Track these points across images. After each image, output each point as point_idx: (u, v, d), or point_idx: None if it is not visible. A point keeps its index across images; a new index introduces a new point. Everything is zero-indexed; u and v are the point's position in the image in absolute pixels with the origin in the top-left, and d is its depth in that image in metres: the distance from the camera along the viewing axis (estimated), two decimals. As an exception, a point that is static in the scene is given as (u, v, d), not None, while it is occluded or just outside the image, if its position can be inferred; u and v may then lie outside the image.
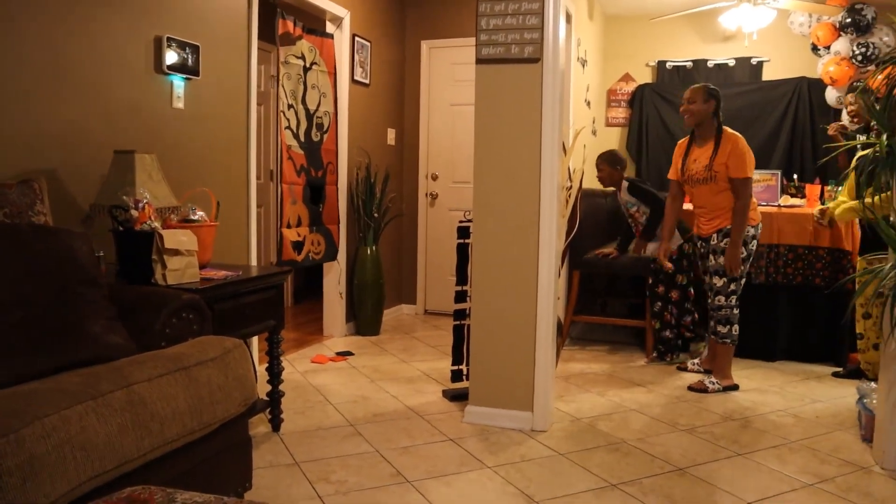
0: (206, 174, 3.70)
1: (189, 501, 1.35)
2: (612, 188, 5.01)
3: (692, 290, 4.65)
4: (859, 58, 5.55)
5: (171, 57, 3.40)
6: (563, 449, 3.12)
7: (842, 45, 5.68)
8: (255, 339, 3.96)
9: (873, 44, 5.49)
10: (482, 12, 3.26)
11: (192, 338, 2.38)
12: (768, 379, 4.29)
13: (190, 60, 3.54)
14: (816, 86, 6.05)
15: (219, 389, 2.12)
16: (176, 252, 2.67)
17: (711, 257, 4.06)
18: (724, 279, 4.02)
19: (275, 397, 3.20)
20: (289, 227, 4.43)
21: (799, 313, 4.68)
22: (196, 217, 3.06)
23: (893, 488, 2.80)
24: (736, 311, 4.05)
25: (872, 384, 3.34)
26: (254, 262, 4.12)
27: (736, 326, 4.07)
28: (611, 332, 5.38)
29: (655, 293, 4.64)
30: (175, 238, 2.68)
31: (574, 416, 3.56)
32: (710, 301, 4.12)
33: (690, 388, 4.07)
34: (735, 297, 4.04)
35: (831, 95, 5.89)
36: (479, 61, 3.31)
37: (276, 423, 3.23)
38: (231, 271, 2.99)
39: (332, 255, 4.94)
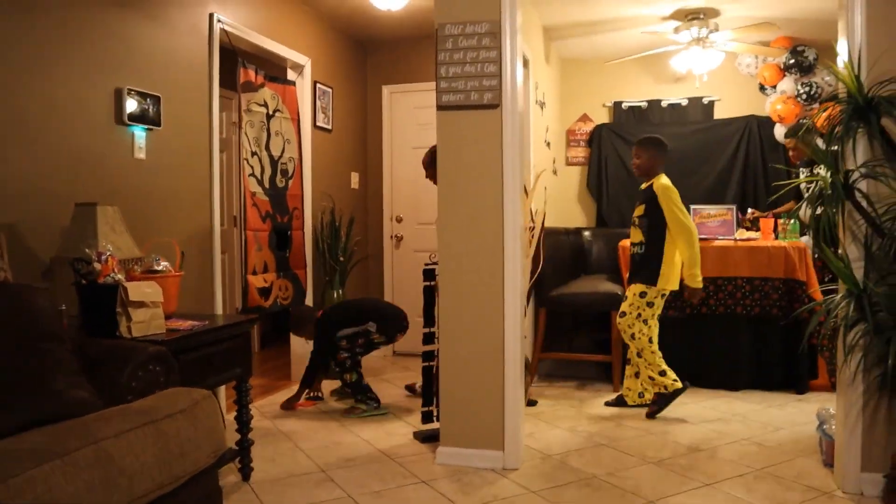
0: (170, 224, 3.70)
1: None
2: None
3: None
4: (804, 96, 5.78)
5: (131, 107, 3.43)
6: (535, 486, 3.13)
7: (787, 84, 5.91)
8: (222, 388, 3.93)
9: (816, 83, 5.72)
10: (441, 60, 3.35)
11: (159, 390, 2.37)
12: (732, 409, 4.36)
13: (151, 111, 3.57)
14: (766, 123, 6.26)
15: (188, 442, 2.11)
16: (141, 304, 2.67)
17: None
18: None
19: (244, 446, 3.17)
20: (255, 273, 4.43)
21: (759, 343, 4.78)
22: (160, 267, 3.06)
23: (857, 513, 2.87)
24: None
25: (831, 410, 3.43)
26: (219, 310, 4.11)
27: None
28: (578, 368, 5.43)
29: None
30: (139, 290, 2.67)
31: (545, 453, 3.58)
32: None
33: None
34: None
35: (780, 132, 6.10)
36: (440, 108, 3.39)
37: (245, 471, 3.19)
38: (197, 321, 2.98)
39: (300, 299, 4.93)
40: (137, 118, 3.48)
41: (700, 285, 4.17)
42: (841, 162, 3.04)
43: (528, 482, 3.19)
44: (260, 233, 4.51)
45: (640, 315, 4.23)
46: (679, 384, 4.20)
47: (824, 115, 3.16)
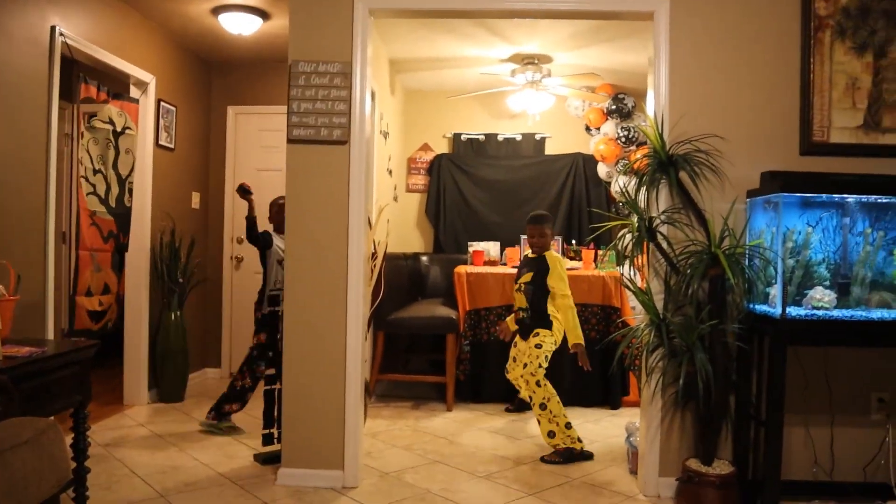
0: (1, 243, 3.56)
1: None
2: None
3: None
4: (623, 139, 6.41)
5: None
6: (372, 503, 3.31)
7: (609, 127, 6.53)
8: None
9: (633, 128, 6.36)
10: (293, 96, 3.49)
11: (-2, 419, 2.34)
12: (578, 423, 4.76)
13: (-17, 125, 3.44)
14: (590, 161, 6.86)
15: (33, 472, 2.12)
16: (-23, 330, 2.60)
17: None
18: None
19: (81, 474, 3.10)
20: (89, 294, 4.32)
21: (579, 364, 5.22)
22: (-6, 291, 2.97)
23: (654, 516, 3.29)
24: None
25: (637, 423, 3.87)
26: (50, 333, 3.98)
27: None
28: (414, 389, 5.67)
29: None
30: (-24, 316, 2.60)
31: (382, 471, 3.77)
32: None
33: None
34: None
35: (602, 170, 6.70)
36: (291, 141, 3.52)
37: (81, 500, 3.12)
38: (34, 346, 2.92)
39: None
40: (-32, 132, 3.35)
41: (582, 341, 4.31)
42: (646, 208, 3.50)
43: (366, 499, 3.37)
44: (100, 253, 4.41)
45: (541, 366, 4.22)
46: (585, 448, 4.16)
47: (635, 164, 3.63)
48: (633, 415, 4.87)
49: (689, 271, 3.22)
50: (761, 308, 3.25)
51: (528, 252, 4.61)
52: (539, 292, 4.40)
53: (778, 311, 3.06)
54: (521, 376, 4.37)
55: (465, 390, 5.24)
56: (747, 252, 3.26)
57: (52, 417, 3.42)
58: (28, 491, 2.10)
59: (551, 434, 4.09)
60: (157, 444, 4.19)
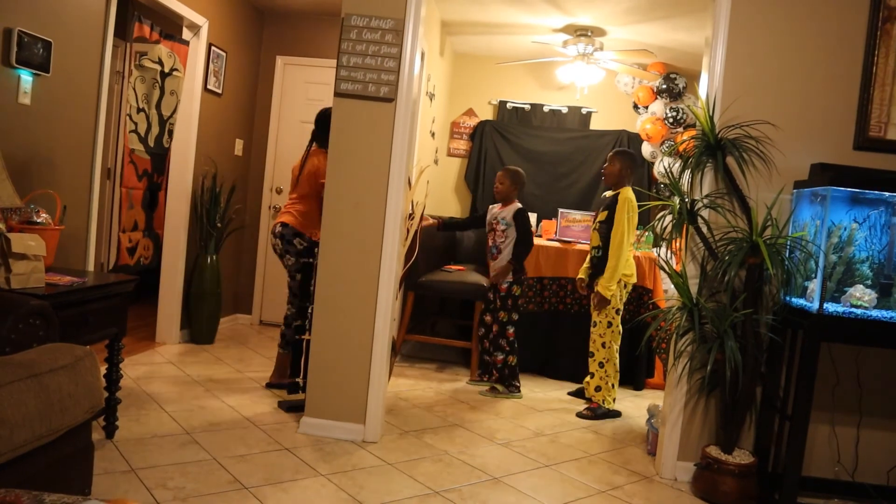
0: (50, 174, 3.64)
1: (58, 502, 1.46)
2: (497, 205, 4.95)
3: (511, 331, 4.77)
4: (671, 120, 6.30)
5: (20, 49, 3.34)
6: (391, 459, 3.37)
7: (657, 106, 6.41)
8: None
9: (682, 109, 6.24)
10: (344, 49, 3.48)
11: (37, 344, 2.41)
12: (577, 399, 4.78)
13: (40, 55, 3.49)
14: (635, 139, 6.75)
15: (69, 397, 2.19)
16: (22, 256, 2.67)
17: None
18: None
19: (111, 404, 3.21)
20: (123, 231, 4.40)
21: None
22: (40, 220, 3.05)
23: (668, 493, 3.29)
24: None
25: (660, 406, 3.87)
26: (91, 266, 4.07)
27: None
28: (439, 351, 5.72)
29: (483, 320, 4.95)
30: (23, 242, 2.68)
31: (402, 429, 3.82)
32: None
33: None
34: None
35: (646, 149, 6.61)
36: (338, 94, 3.52)
37: (110, 430, 3.24)
38: (75, 277, 3.00)
39: (158, 259, 4.94)
40: (25, 62, 3.40)
41: (608, 296, 4.41)
42: (689, 190, 3.46)
43: (385, 454, 3.42)
44: (134, 191, 4.47)
45: (610, 324, 4.45)
46: (617, 407, 4.54)
47: (682, 145, 3.57)
48: (656, 397, 4.88)
49: (727, 258, 3.19)
50: (798, 301, 3.21)
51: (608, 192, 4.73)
52: (611, 230, 4.47)
53: (815, 305, 3.02)
54: (591, 335, 4.55)
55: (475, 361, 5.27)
56: (789, 244, 3.21)
57: (88, 346, 3.53)
58: (63, 414, 2.17)
59: (598, 388, 4.50)
60: (186, 382, 4.29)
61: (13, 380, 2.03)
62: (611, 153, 4.66)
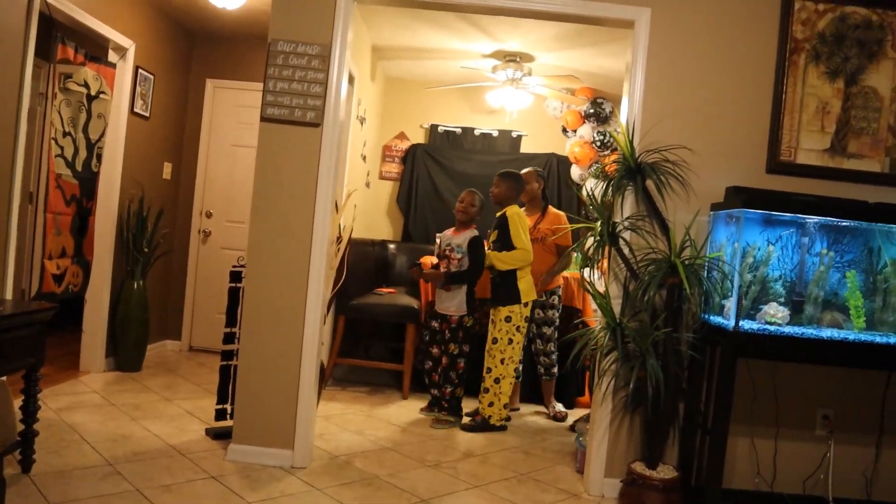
0: (-36, 199, 3.52)
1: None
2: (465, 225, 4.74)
3: (462, 363, 4.67)
4: (598, 143, 6.47)
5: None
6: (320, 484, 3.34)
7: (585, 130, 6.58)
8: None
9: (609, 133, 6.42)
10: (270, 75, 3.48)
11: (-54, 375, 2.33)
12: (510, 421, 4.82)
13: (-46, 78, 3.39)
14: (564, 162, 6.90)
15: (-22, 429, 2.11)
16: (-69, 284, 2.57)
17: (540, 311, 4.89)
18: (551, 328, 4.89)
19: (28, 437, 3.09)
20: (50, 258, 4.27)
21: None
22: (-48, 246, 2.94)
23: (595, 514, 3.36)
24: (557, 354, 4.96)
25: (587, 424, 3.94)
26: (9, 294, 3.93)
27: (557, 366, 4.98)
28: (373, 374, 5.69)
29: (429, 352, 4.79)
30: (-69, 270, 2.58)
31: (332, 454, 3.80)
32: (542, 347, 4.95)
33: (555, 418, 4.85)
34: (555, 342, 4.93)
35: (575, 172, 6.76)
36: (264, 119, 3.52)
37: (27, 463, 3.11)
38: (-11, 305, 2.90)
39: (87, 286, 4.79)
40: (-63, 85, 3.29)
41: (492, 264, 4.55)
42: (612, 213, 3.56)
43: (313, 480, 3.39)
44: (62, 216, 4.36)
45: (511, 340, 4.53)
46: (504, 422, 4.62)
47: (607, 167, 3.68)
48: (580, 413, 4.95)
49: (647, 278, 3.28)
50: (716, 319, 3.32)
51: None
52: (504, 248, 4.57)
53: (731, 323, 3.13)
54: (488, 350, 4.59)
55: (421, 379, 5.26)
56: (706, 264, 3.33)
57: (3, 378, 3.41)
58: (-29, 448, 2.09)
59: (491, 404, 4.56)
60: (110, 412, 4.17)
61: (-83, 413, 1.95)
62: (497, 175, 4.77)
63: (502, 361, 4.54)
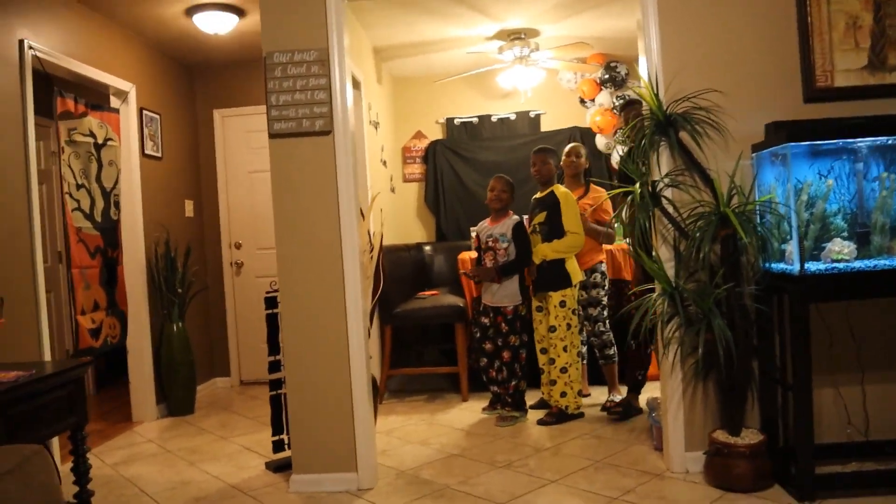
0: (-15, 268, 3.45)
1: None
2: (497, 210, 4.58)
3: (524, 354, 4.49)
4: (619, 108, 6.23)
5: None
6: (390, 503, 3.20)
7: (604, 97, 6.36)
8: (55, 438, 3.69)
9: (628, 95, 6.19)
10: (271, 89, 3.35)
11: (-17, 450, 2.22)
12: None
13: (-43, 147, 3.32)
14: (588, 133, 6.68)
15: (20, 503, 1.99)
16: (-43, 359, 2.48)
17: (583, 292, 4.56)
18: (598, 308, 4.57)
19: (83, 498, 3.00)
20: (83, 313, 4.20)
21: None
22: (-23, 316, 2.85)
23: (682, 487, 3.15)
24: (611, 334, 4.62)
25: (658, 398, 3.73)
26: (47, 354, 3.86)
27: (615, 347, 4.62)
28: (428, 381, 5.55)
29: (482, 349, 4.56)
30: (-45, 343, 2.49)
31: (399, 469, 3.64)
32: (591, 329, 4.62)
33: (608, 410, 4.44)
34: (608, 321, 4.60)
35: (601, 141, 6.54)
36: (272, 136, 3.39)
37: (87, 526, 3.03)
38: (23, 370, 2.80)
39: (125, 336, 4.71)
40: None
41: (549, 256, 4.32)
42: (648, 173, 3.35)
43: (383, 500, 3.24)
44: (89, 270, 4.28)
45: (569, 325, 4.34)
46: (580, 409, 4.41)
47: (629, 126, 3.48)
48: (653, 390, 4.72)
49: (698, 234, 3.07)
50: (778, 266, 3.10)
51: (538, 193, 4.60)
52: (555, 230, 4.35)
53: (796, 267, 2.91)
54: (545, 338, 4.42)
55: (479, 378, 5.09)
56: (758, 209, 3.11)
57: (53, 439, 3.32)
58: (16, 523, 1.98)
59: (564, 394, 4.33)
60: (167, 459, 4.08)
61: (-48, 496, 1.84)
62: (536, 153, 4.57)
63: (565, 349, 4.32)
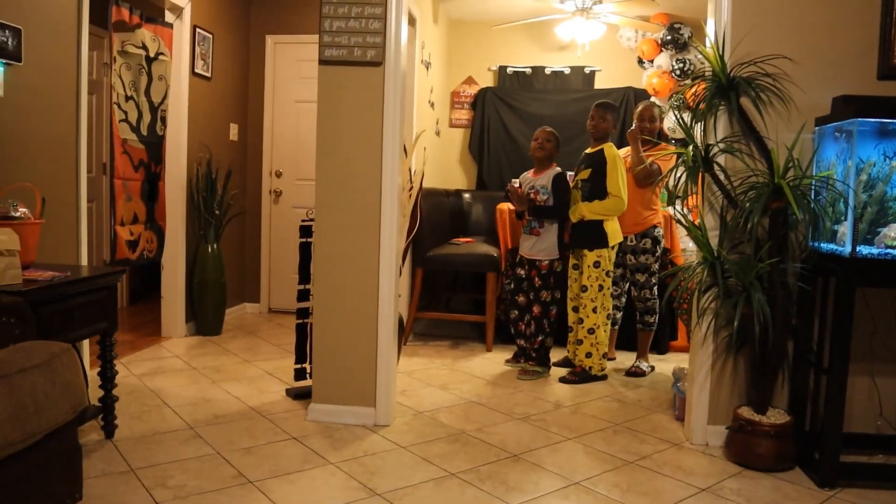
0: (30, 168, 3.47)
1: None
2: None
3: (554, 311, 4.45)
4: (678, 72, 6.05)
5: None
6: (404, 442, 3.20)
7: (663, 59, 6.16)
8: (86, 343, 3.76)
9: (689, 60, 5.99)
10: (325, 14, 3.28)
11: (13, 343, 2.25)
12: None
13: (10, 44, 3.30)
14: (642, 95, 6.49)
15: (44, 397, 2.02)
16: (-6, 252, 2.50)
17: (631, 256, 4.47)
18: (646, 275, 4.45)
19: (108, 403, 3.06)
20: (122, 224, 4.23)
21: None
22: (18, 214, 2.88)
23: (700, 460, 3.10)
24: (657, 302, 4.52)
25: (685, 369, 3.67)
26: (84, 261, 3.90)
27: (657, 316, 4.55)
28: (454, 328, 5.54)
29: (515, 301, 4.53)
30: (-7, 237, 2.51)
31: (416, 410, 3.65)
32: (637, 294, 4.53)
33: (629, 373, 4.46)
34: (656, 288, 4.49)
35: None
36: (322, 62, 3.33)
37: (109, 429, 3.09)
38: (58, 272, 2.84)
39: (162, 252, 4.75)
40: (-6, 51, 3.22)
41: (586, 215, 4.21)
42: (702, 136, 3.24)
43: (398, 437, 3.25)
44: (131, 182, 4.30)
45: (601, 287, 4.25)
46: (604, 371, 4.38)
47: (691, 91, 3.35)
48: (681, 360, 4.66)
49: (748, 205, 2.97)
50: (828, 246, 2.99)
51: (588, 148, 4.46)
52: (597, 190, 4.23)
53: (847, 249, 2.80)
54: (577, 297, 4.37)
55: (505, 330, 5.07)
56: (814, 185, 2.99)
57: (83, 344, 3.38)
58: (40, 416, 2.00)
59: (589, 355, 4.29)
60: (191, 375, 4.14)
61: (-22, 382, 1.87)
62: (597, 107, 4.38)
63: (594, 310, 4.25)
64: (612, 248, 4.28)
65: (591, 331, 4.26)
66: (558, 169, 4.43)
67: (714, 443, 3.26)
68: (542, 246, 4.38)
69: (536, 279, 4.41)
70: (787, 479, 2.93)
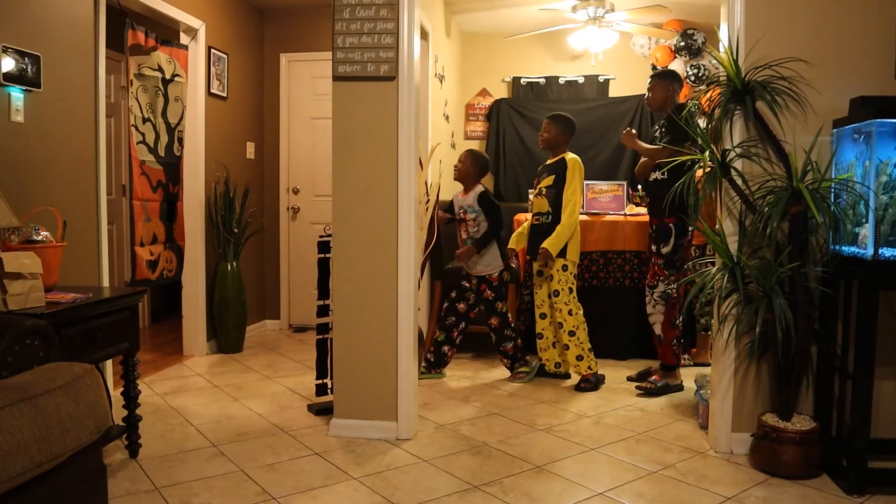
0: (51, 191, 3.52)
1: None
2: (458, 193, 4.69)
3: (511, 317, 4.59)
4: (692, 78, 6.02)
5: (7, 66, 3.21)
6: (427, 455, 3.19)
7: (677, 66, 6.14)
8: (108, 363, 3.80)
9: (703, 66, 5.97)
10: (338, 30, 3.30)
11: (37, 365, 2.28)
12: (619, 377, 4.56)
13: (30, 70, 3.36)
14: (656, 102, 6.46)
15: (69, 418, 2.04)
16: (18, 276, 2.54)
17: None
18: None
19: (131, 422, 3.09)
20: (142, 245, 4.28)
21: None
22: (40, 237, 2.92)
23: (725, 468, 3.06)
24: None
25: (707, 376, 3.64)
26: (106, 282, 3.95)
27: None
28: (474, 340, 5.51)
29: (455, 307, 4.58)
30: (16, 261, 2.54)
31: (438, 423, 3.65)
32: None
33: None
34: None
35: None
36: (336, 78, 3.35)
37: (133, 448, 3.11)
38: (80, 293, 2.87)
39: (181, 271, 4.79)
40: (14, 78, 3.27)
41: (552, 254, 4.29)
42: (719, 142, 3.22)
43: (420, 451, 3.25)
44: (150, 203, 4.34)
45: (571, 290, 4.37)
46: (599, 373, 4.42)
47: (706, 96, 3.33)
48: (703, 368, 4.63)
49: (766, 209, 2.95)
50: (849, 250, 2.96)
51: (548, 160, 4.56)
52: (560, 194, 4.35)
53: (869, 252, 2.77)
54: (545, 303, 4.46)
55: (526, 341, 5.05)
56: (833, 187, 2.96)
57: (106, 365, 3.41)
58: (65, 437, 2.02)
59: (580, 357, 4.34)
60: (213, 393, 4.16)
61: (4, 405, 1.88)
62: (546, 119, 4.50)
63: (570, 312, 4.35)
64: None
65: (571, 333, 4.35)
66: (481, 187, 4.60)
67: (739, 451, 3.23)
68: (487, 261, 4.55)
69: (488, 292, 4.54)
70: (815, 487, 2.89)
